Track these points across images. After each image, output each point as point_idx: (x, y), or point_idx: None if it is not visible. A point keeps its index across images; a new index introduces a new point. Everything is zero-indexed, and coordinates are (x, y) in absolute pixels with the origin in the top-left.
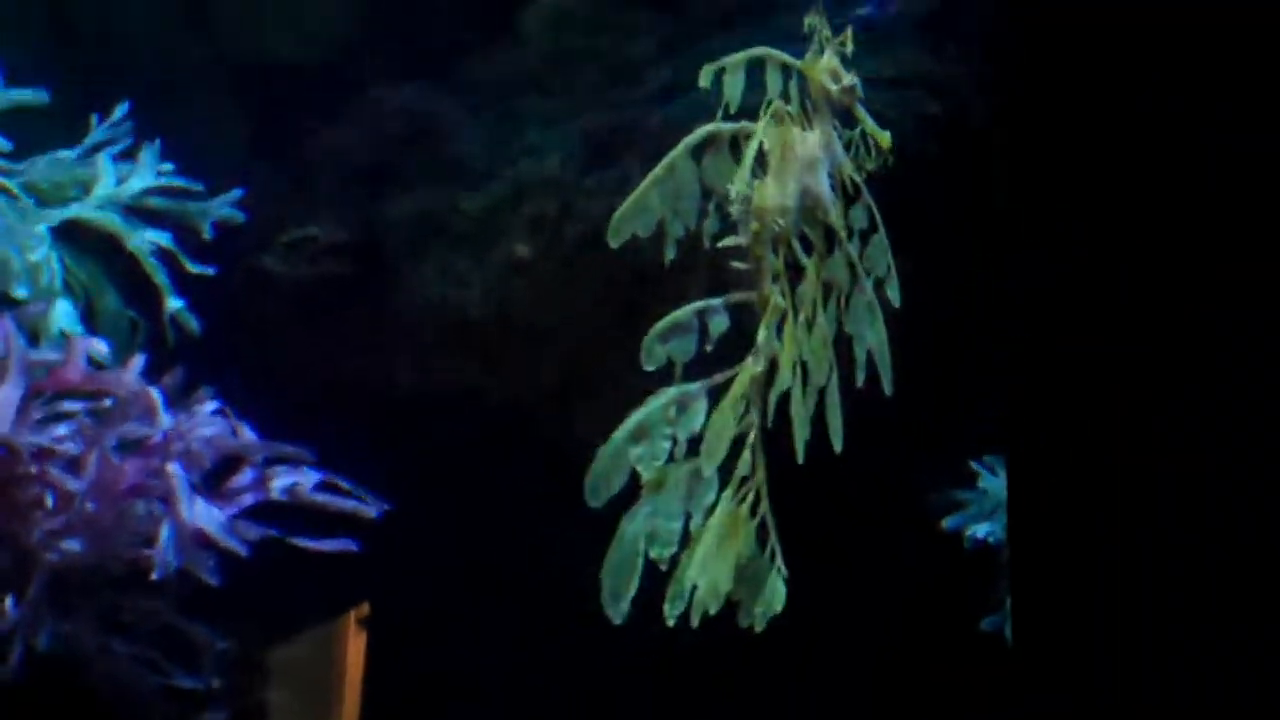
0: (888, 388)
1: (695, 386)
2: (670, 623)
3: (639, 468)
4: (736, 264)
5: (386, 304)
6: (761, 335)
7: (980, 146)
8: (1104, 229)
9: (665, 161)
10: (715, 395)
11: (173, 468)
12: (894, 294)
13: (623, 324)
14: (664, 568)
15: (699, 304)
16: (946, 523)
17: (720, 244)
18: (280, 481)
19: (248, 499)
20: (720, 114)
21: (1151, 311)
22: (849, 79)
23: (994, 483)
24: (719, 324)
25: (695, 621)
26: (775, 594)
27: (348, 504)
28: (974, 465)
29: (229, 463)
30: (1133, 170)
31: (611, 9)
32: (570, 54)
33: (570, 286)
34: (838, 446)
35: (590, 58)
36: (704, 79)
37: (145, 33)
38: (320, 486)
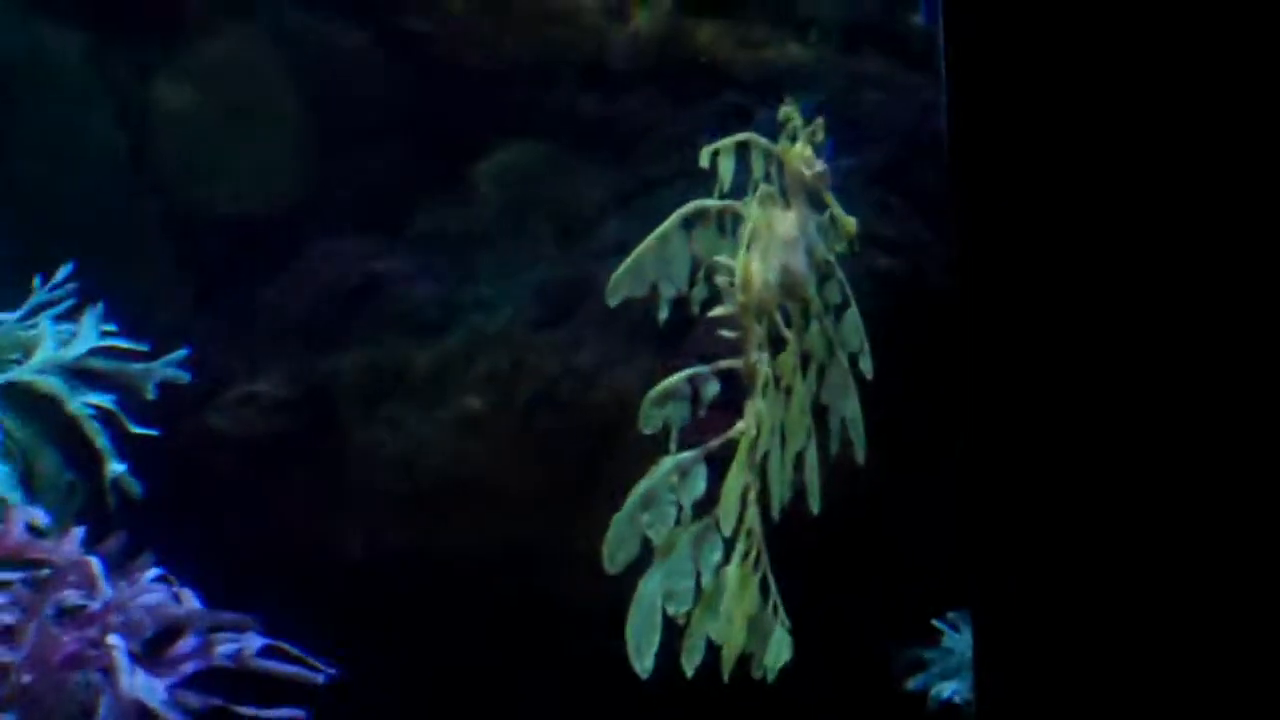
0: (860, 457)
1: (691, 454)
2: (689, 673)
3: (649, 533)
4: (724, 332)
5: (337, 461)
6: (750, 402)
7: (934, 304)
8: (1087, 230)
9: (659, 231)
10: (711, 461)
11: (113, 638)
12: (866, 366)
13: (578, 481)
14: (681, 622)
15: (690, 370)
16: (910, 683)
17: (710, 314)
18: (224, 648)
19: (190, 667)
20: (717, 193)
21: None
22: (820, 166)
23: (958, 640)
24: (710, 389)
25: (726, 676)
26: (782, 645)
27: (294, 670)
28: (937, 624)
29: (172, 630)
30: (1121, 168)
31: (563, 163)
32: (522, 207)
33: (524, 444)
34: (815, 508)
35: (542, 212)
36: (703, 159)
37: (88, 190)
38: (266, 652)
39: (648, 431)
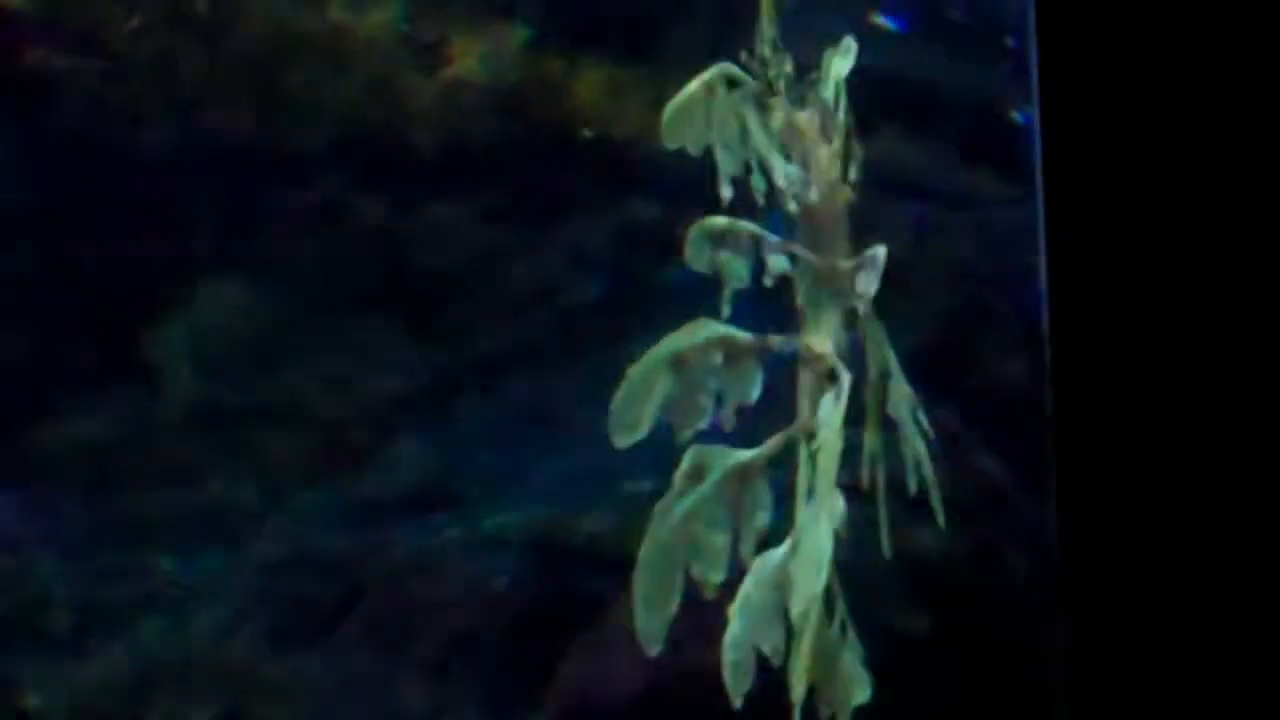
0: (940, 516)
1: (746, 339)
2: (737, 703)
3: (675, 416)
4: (798, 203)
5: None
6: (835, 317)
7: (1008, 615)
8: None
9: (702, 79)
10: (770, 367)
11: None
12: (923, 425)
13: None
14: (710, 595)
15: (753, 227)
16: None
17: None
18: None
19: None
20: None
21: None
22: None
23: None
24: (779, 262)
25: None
26: (856, 677)
27: None
28: None
29: None
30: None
31: (318, 323)
32: (238, 410)
33: None
34: (887, 551)
35: (278, 418)
36: None
37: None
38: None
39: (695, 268)
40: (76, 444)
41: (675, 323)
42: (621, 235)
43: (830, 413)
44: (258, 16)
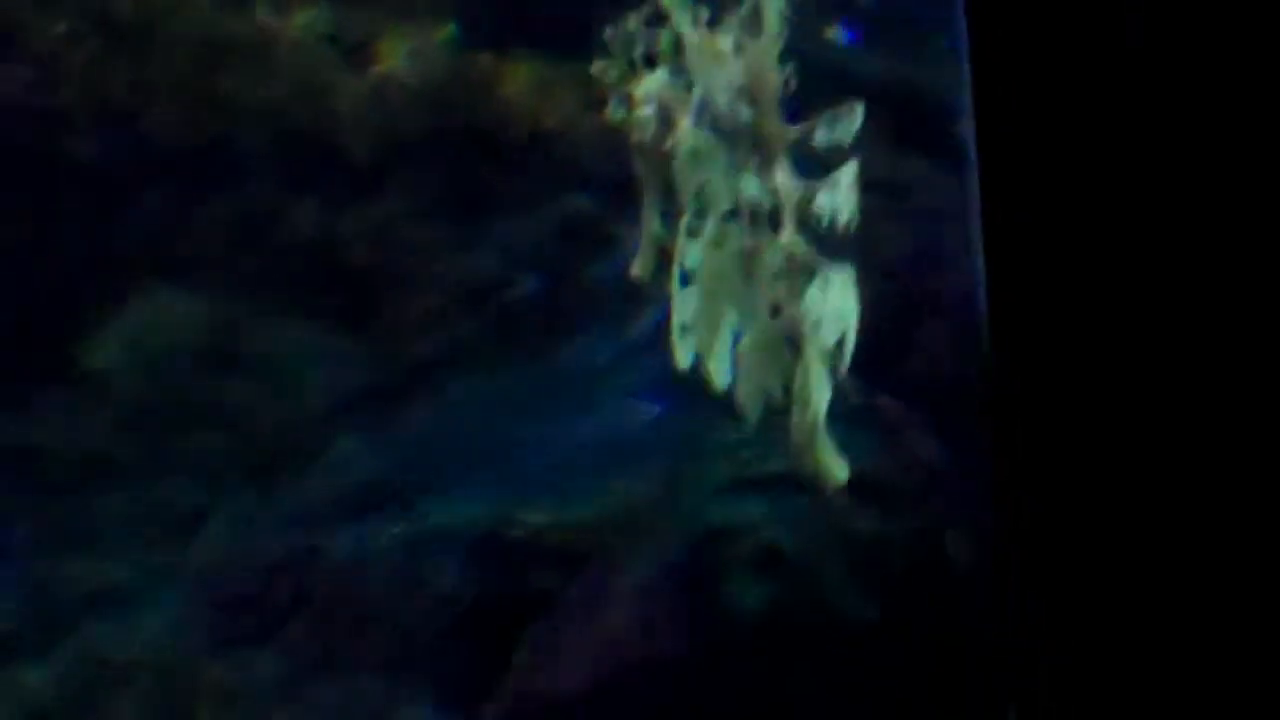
0: (851, 395)
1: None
2: (683, 363)
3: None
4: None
5: None
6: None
7: (953, 598)
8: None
9: None
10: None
11: None
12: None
13: None
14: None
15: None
16: None
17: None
18: None
19: None
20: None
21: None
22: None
23: None
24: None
25: (752, 412)
26: (836, 457)
27: None
28: None
29: None
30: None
31: (252, 324)
32: (177, 413)
33: None
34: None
35: (218, 421)
36: None
37: None
38: None
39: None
40: (15, 449)
41: (613, 317)
42: (555, 231)
43: (836, 199)
44: (184, 21)
